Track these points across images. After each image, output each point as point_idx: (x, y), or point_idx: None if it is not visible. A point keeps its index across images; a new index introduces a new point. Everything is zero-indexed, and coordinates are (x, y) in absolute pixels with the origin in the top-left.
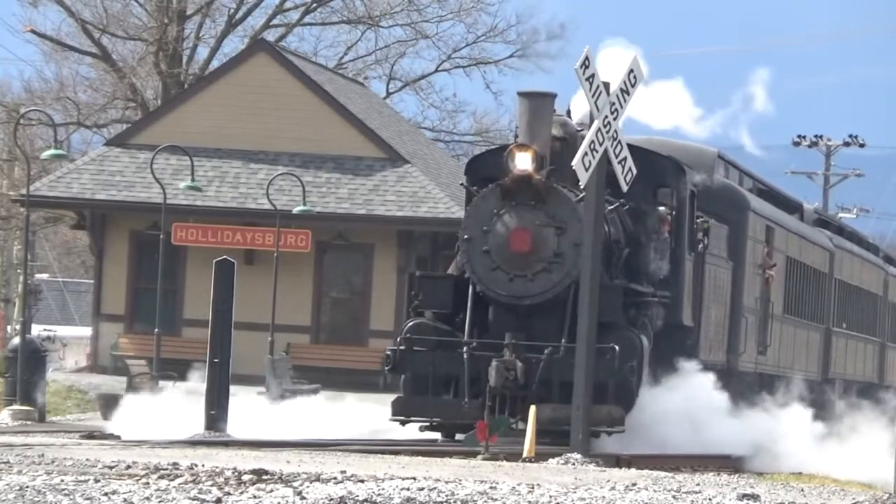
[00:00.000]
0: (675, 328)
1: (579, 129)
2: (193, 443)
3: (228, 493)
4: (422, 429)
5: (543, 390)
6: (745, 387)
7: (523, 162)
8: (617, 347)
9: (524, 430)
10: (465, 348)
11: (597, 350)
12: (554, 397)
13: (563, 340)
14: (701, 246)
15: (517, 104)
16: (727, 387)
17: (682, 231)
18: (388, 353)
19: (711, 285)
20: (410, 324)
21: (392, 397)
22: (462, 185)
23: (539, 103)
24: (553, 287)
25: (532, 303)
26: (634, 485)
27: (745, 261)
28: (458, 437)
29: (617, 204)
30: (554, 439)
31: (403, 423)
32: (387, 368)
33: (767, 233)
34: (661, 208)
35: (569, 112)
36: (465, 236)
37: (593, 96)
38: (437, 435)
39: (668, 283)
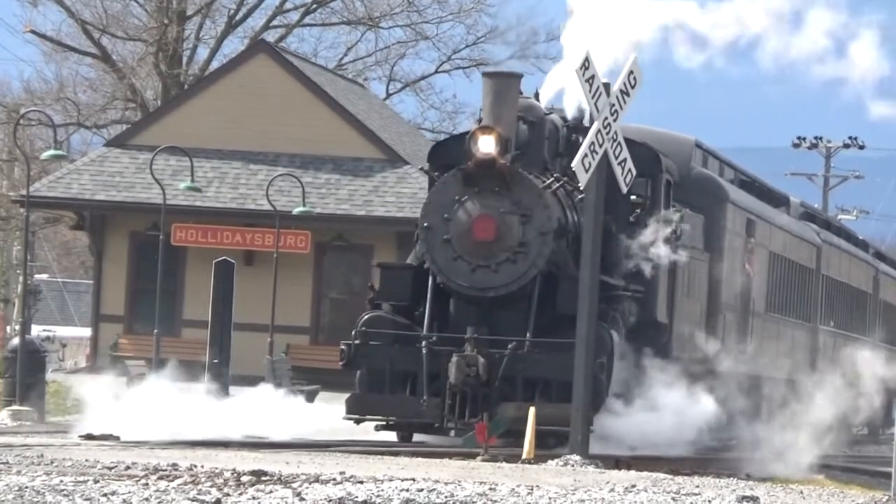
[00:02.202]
0: (648, 324)
1: (547, 112)
2: (192, 443)
3: (228, 494)
4: (377, 428)
5: (507, 387)
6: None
7: (486, 145)
8: None
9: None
10: (423, 343)
11: (563, 346)
12: (518, 395)
13: (527, 335)
14: (673, 237)
15: (482, 85)
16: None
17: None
18: (343, 347)
19: (685, 279)
20: (366, 317)
21: None
22: (422, 169)
23: (504, 84)
24: (518, 278)
25: (495, 295)
26: (634, 486)
27: (724, 255)
28: (450, 438)
29: None
30: (518, 439)
31: (358, 421)
32: (341, 363)
33: (748, 226)
34: (634, 197)
35: (537, 95)
36: (425, 224)
37: (593, 98)
38: (393, 435)
39: (640, 276)
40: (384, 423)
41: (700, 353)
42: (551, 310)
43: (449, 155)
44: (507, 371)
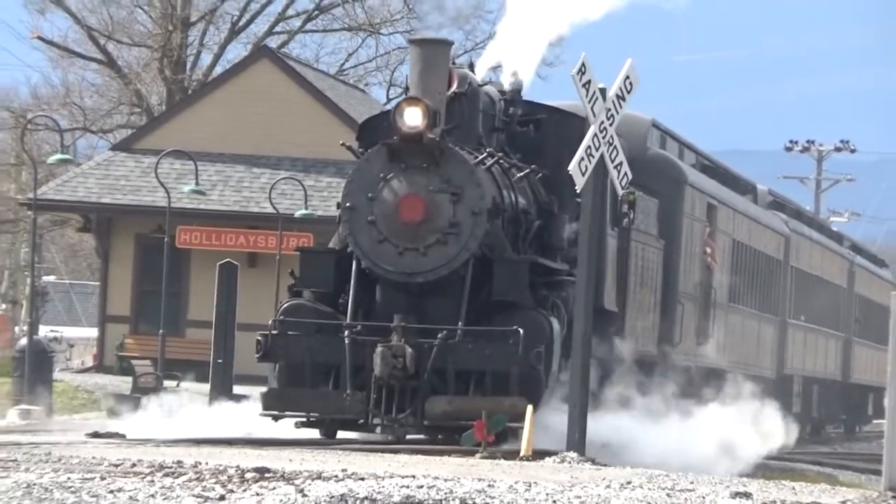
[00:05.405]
0: (595, 313)
1: (482, 84)
2: (197, 441)
3: (232, 491)
4: (297, 425)
5: (437, 380)
6: (681, 380)
7: (412, 118)
8: (521, 331)
9: (415, 426)
10: (346, 332)
11: (498, 333)
12: (449, 388)
13: (459, 323)
14: (626, 220)
15: (409, 54)
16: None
17: (604, 202)
18: (259, 338)
19: (638, 266)
20: (285, 305)
21: None
22: (343, 144)
23: (432, 52)
24: (449, 262)
25: (425, 280)
26: (629, 483)
27: (681, 241)
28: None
29: (528, 170)
30: (448, 435)
31: (276, 418)
32: (257, 356)
33: (709, 211)
34: None
35: (471, 66)
36: (348, 204)
37: (589, 102)
38: (315, 432)
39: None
40: (305, 419)
41: (655, 344)
42: (486, 296)
43: (382, 131)
44: (437, 362)
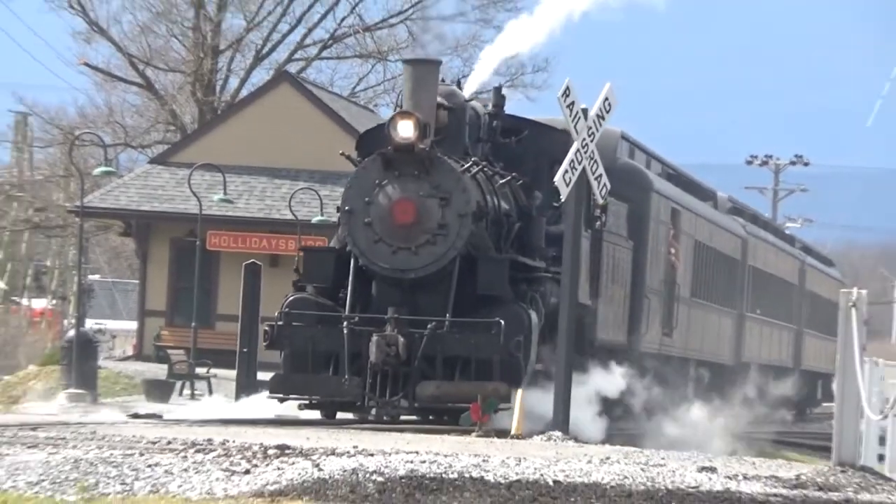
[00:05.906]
0: None
1: (468, 99)
2: (225, 422)
3: (256, 465)
4: (301, 407)
5: (427, 366)
6: (647, 366)
7: (405, 130)
8: (503, 322)
9: (407, 408)
10: (345, 323)
11: (482, 324)
12: (437, 374)
13: (447, 315)
14: (598, 223)
15: (403, 72)
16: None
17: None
18: (267, 328)
19: (610, 264)
20: (290, 298)
21: None
22: (343, 154)
23: (423, 71)
24: (437, 260)
25: (416, 276)
26: (608, 458)
27: (648, 241)
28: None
29: (509, 178)
30: (437, 417)
31: (281, 400)
32: (265, 344)
33: (673, 215)
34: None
35: (459, 83)
36: (347, 208)
37: (573, 121)
38: (317, 413)
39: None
40: (307, 402)
41: (624, 333)
42: (471, 290)
43: (378, 142)
44: (427, 350)
